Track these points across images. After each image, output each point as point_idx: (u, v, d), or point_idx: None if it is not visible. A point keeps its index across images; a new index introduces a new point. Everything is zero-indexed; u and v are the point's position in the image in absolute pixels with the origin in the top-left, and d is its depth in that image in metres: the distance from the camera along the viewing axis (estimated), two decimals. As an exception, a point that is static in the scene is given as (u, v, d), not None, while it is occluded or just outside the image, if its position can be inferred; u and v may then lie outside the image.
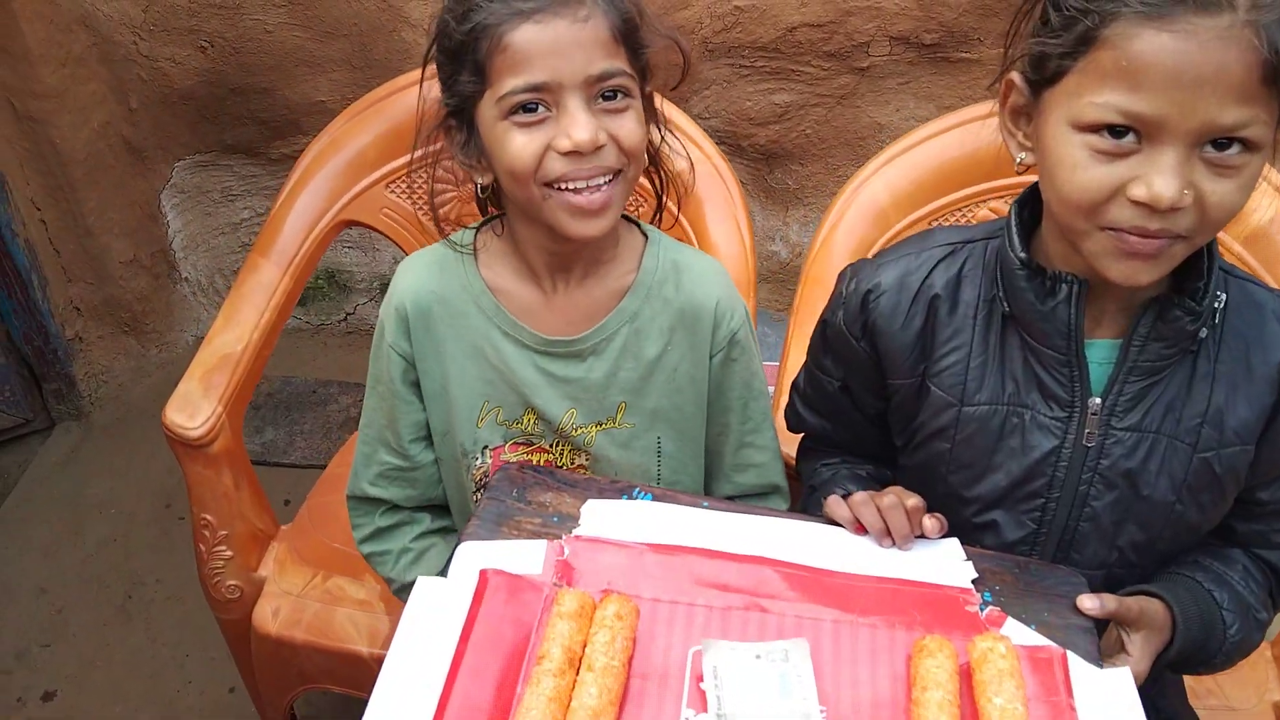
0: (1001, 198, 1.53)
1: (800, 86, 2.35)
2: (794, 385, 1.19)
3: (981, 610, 0.88)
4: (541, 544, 0.90)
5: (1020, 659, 0.81)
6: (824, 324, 1.09)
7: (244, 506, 1.43)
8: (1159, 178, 0.79)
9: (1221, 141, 0.79)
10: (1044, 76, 0.86)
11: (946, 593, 0.89)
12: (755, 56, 2.30)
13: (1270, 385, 0.94)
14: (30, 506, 2.33)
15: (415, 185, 1.65)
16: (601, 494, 0.97)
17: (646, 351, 1.13)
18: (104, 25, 2.21)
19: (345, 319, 2.78)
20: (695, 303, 1.13)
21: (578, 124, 0.97)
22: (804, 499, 1.10)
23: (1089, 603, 0.90)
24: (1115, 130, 0.80)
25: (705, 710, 0.77)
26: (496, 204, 1.15)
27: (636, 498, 0.97)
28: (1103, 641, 0.92)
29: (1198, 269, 0.90)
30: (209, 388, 1.39)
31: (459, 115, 1.05)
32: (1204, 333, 0.93)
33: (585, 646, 0.79)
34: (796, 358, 1.29)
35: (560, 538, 0.91)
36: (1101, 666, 0.84)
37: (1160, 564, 1.03)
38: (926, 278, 1.00)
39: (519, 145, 0.98)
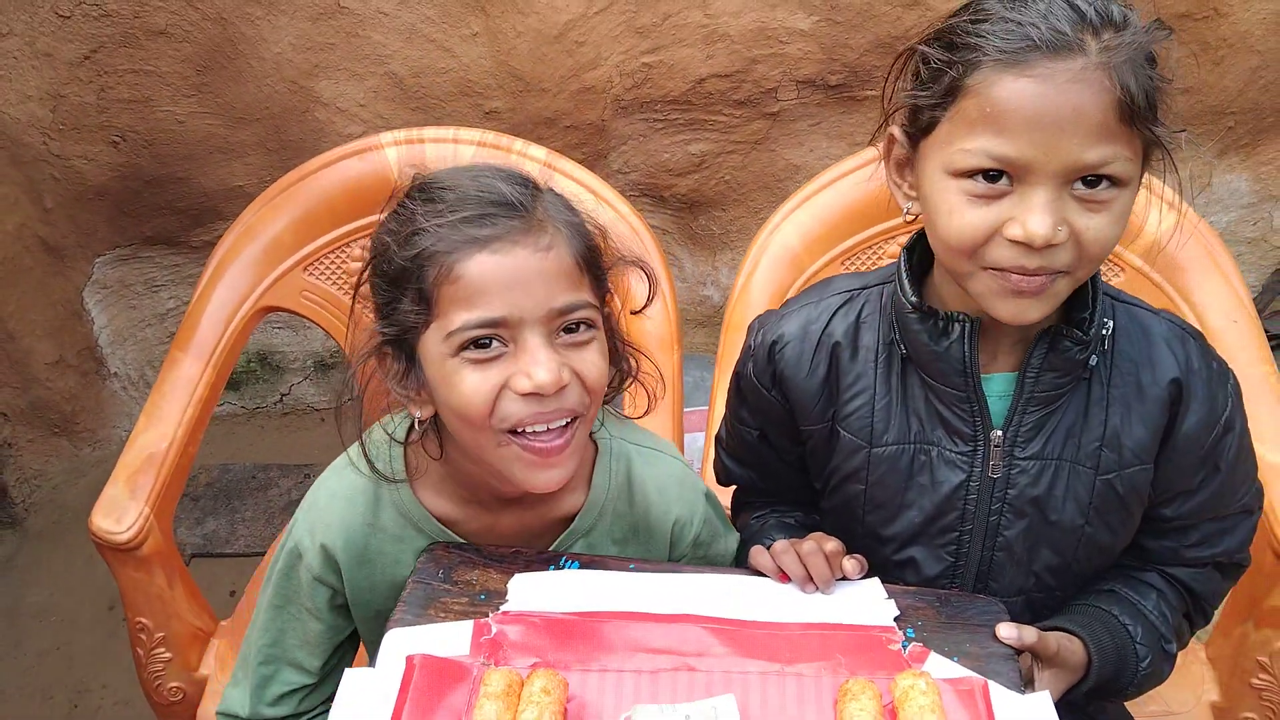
0: (909, 233, 1.57)
1: (715, 135, 2.40)
2: (717, 438, 1.20)
3: (904, 647, 0.89)
4: (468, 624, 0.90)
5: (942, 693, 0.82)
6: (737, 376, 1.11)
7: (179, 606, 1.41)
8: (1032, 217, 0.82)
9: (1090, 179, 0.82)
10: (919, 128, 0.89)
11: (870, 633, 0.91)
12: (668, 109, 2.35)
13: (1161, 405, 0.96)
14: (-34, 621, 2.27)
15: (335, 267, 1.66)
16: (529, 566, 0.97)
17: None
18: (11, 128, 2.20)
19: (280, 400, 2.76)
20: (650, 521, 1.06)
21: (539, 363, 0.87)
22: (736, 553, 1.11)
23: (1006, 631, 0.92)
24: (988, 174, 0.84)
25: (638, 777, 0.78)
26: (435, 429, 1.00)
27: (565, 567, 0.98)
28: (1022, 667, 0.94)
29: (1084, 300, 0.93)
30: (135, 489, 1.37)
31: (397, 344, 0.93)
32: (1094, 360, 0.95)
33: (514, 726, 0.79)
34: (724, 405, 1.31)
35: (487, 615, 0.92)
36: (1023, 692, 0.86)
37: (1078, 586, 1.05)
38: (827, 326, 1.03)
39: (472, 385, 0.88)
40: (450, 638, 0.89)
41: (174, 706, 1.43)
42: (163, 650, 1.40)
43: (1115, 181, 0.83)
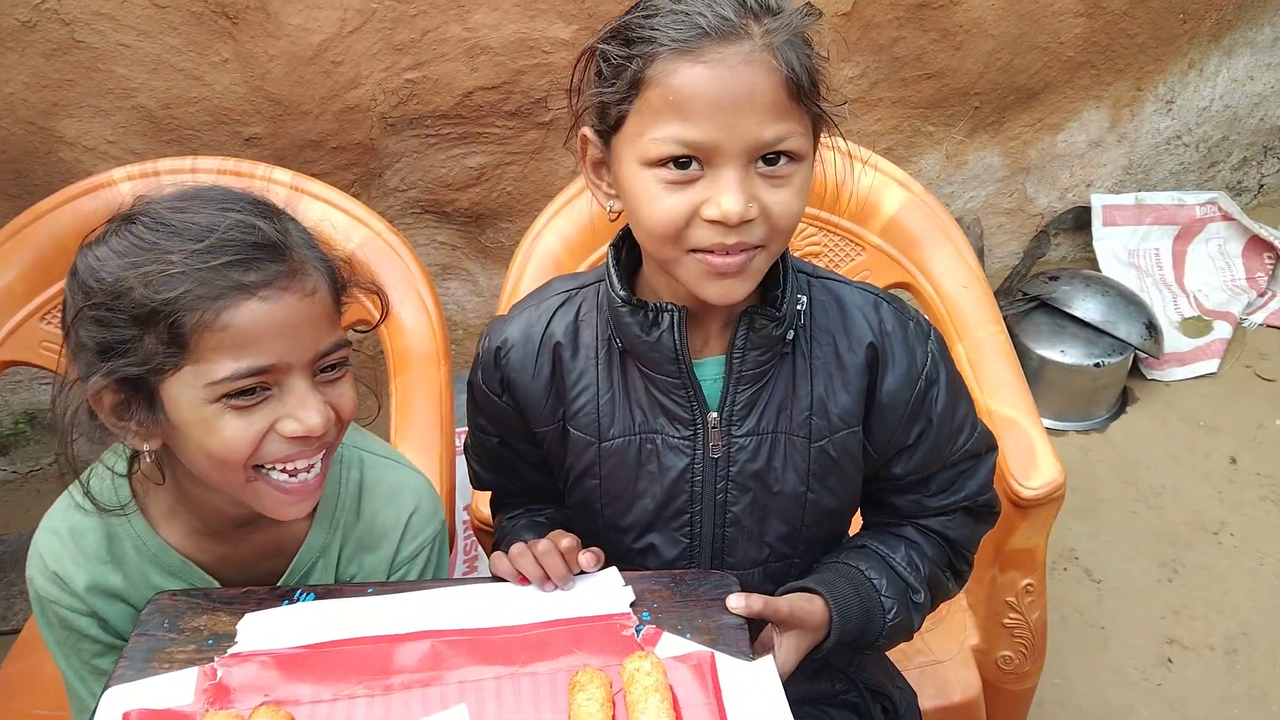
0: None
1: (491, 147, 2.40)
2: (465, 446, 1.21)
3: (638, 632, 0.92)
4: (193, 671, 0.87)
5: (672, 670, 0.85)
6: (470, 385, 1.12)
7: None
8: (724, 196, 0.86)
9: (770, 156, 0.88)
10: (609, 125, 0.92)
11: (607, 622, 0.93)
12: (439, 124, 2.33)
13: (860, 370, 1.02)
14: None
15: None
16: (261, 604, 0.95)
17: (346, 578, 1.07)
18: None
19: (56, 460, 2.58)
20: (376, 527, 1.07)
21: (308, 408, 0.88)
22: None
23: (735, 601, 0.95)
24: (679, 162, 0.87)
25: (368, 801, 0.77)
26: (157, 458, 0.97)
27: (299, 600, 0.95)
28: (762, 636, 0.97)
29: (776, 279, 0.98)
30: None
31: (129, 383, 0.88)
32: (791, 335, 1.00)
33: (235, 766, 0.77)
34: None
35: (213, 660, 0.88)
36: (751, 659, 0.89)
37: (812, 552, 1.10)
38: (547, 327, 1.05)
39: (234, 431, 0.87)
40: (173, 689, 0.86)
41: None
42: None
43: (792, 157, 0.89)
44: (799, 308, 1.00)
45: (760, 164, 0.88)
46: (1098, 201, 2.96)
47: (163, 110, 2.12)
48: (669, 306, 0.97)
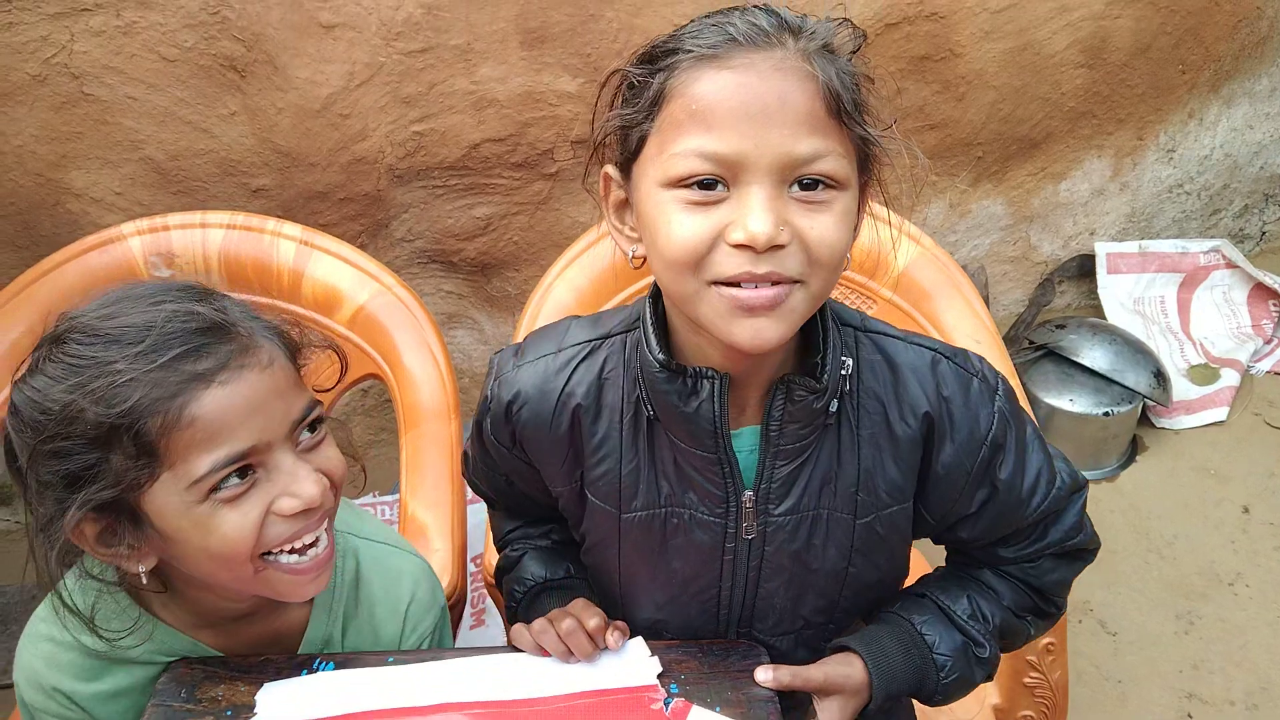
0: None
1: (497, 198, 2.41)
2: (464, 455, 1.15)
3: (666, 705, 0.89)
4: (209, 744, 0.85)
5: (700, 747, 0.82)
6: (477, 426, 1.05)
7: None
8: (751, 216, 0.76)
9: (807, 181, 0.77)
10: (629, 152, 0.83)
11: (634, 694, 0.90)
12: (446, 175, 2.34)
13: (914, 445, 0.92)
14: None
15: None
16: (279, 674, 0.92)
17: None
18: None
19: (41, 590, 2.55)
20: (375, 621, 1.04)
21: (300, 479, 0.86)
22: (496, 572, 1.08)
23: (762, 675, 0.92)
24: (703, 182, 0.78)
25: None
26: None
27: (318, 669, 0.93)
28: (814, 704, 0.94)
29: (816, 341, 0.88)
30: None
31: (109, 509, 0.84)
32: (834, 405, 0.90)
33: None
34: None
35: (230, 733, 0.86)
36: (782, 731, 0.87)
37: (848, 619, 1.03)
38: (566, 385, 0.95)
39: (233, 525, 0.84)
40: (189, 762, 0.83)
41: None
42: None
43: (831, 183, 0.78)
44: (844, 372, 0.89)
45: (795, 188, 0.77)
46: (1101, 249, 2.96)
47: (170, 162, 2.13)
48: (710, 373, 0.86)
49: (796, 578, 0.97)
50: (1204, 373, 2.82)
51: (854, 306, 1.63)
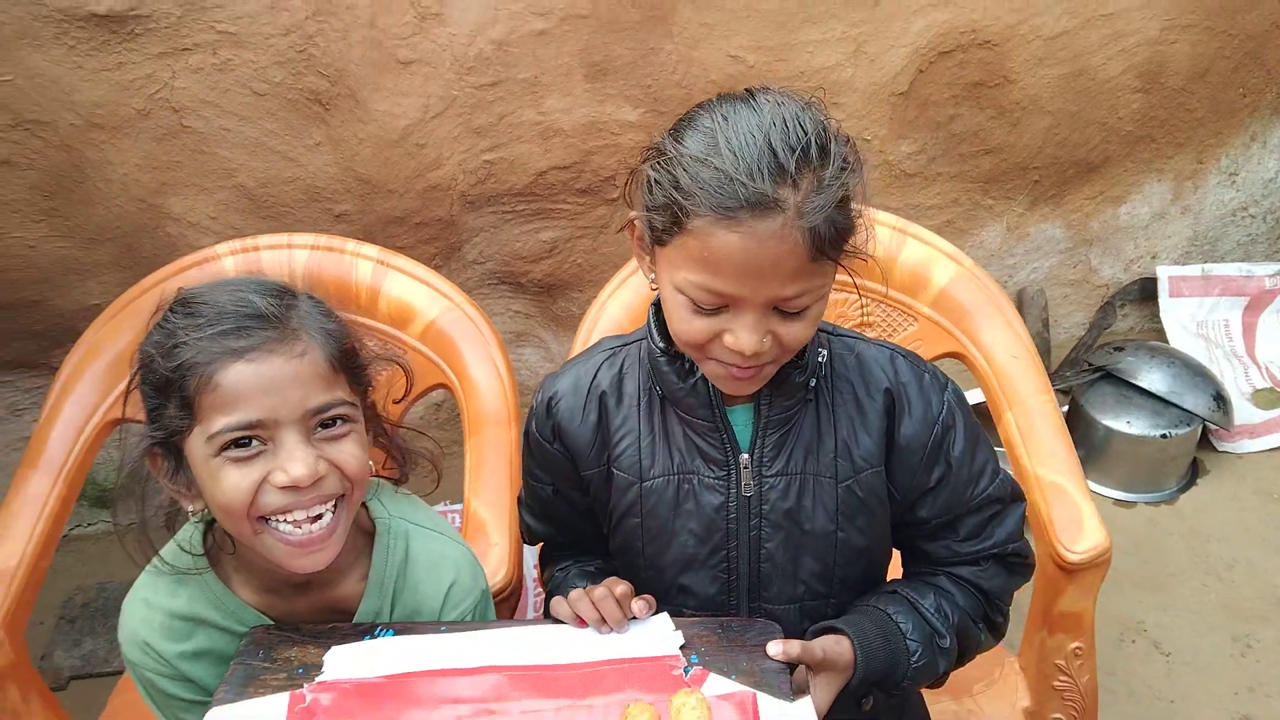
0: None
1: (562, 223, 2.53)
2: (519, 499, 1.30)
3: (686, 672, 0.98)
4: (284, 696, 0.96)
5: (716, 707, 0.91)
6: (526, 435, 1.22)
7: (33, 722, 1.41)
8: (743, 334, 0.96)
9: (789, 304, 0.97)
10: (655, 237, 1.00)
11: (658, 663, 0.99)
12: (514, 201, 2.47)
13: (879, 415, 1.11)
14: None
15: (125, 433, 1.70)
16: (345, 639, 1.04)
17: None
18: None
19: (156, 514, 2.74)
20: (419, 597, 1.14)
21: (295, 459, 0.96)
22: (544, 606, 1.19)
23: (774, 648, 1.02)
24: (707, 303, 0.97)
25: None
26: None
27: (379, 636, 1.04)
28: (795, 676, 1.03)
29: None
30: (-17, 608, 1.38)
31: (165, 445, 1.01)
32: (813, 383, 1.10)
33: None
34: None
35: (303, 687, 0.97)
36: (791, 700, 0.95)
37: (847, 592, 1.16)
38: (594, 379, 1.16)
39: (232, 482, 0.96)
40: (267, 712, 0.94)
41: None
42: (16, 770, 1.40)
43: (803, 301, 0.97)
44: (820, 359, 1.09)
45: (777, 309, 0.97)
46: (1164, 273, 2.97)
47: (260, 189, 2.30)
48: None
49: (792, 538, 1.12)
50: (1268, 397, 2.80)
51: (895, 324, 1.71)
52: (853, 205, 0.96)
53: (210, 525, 1.10)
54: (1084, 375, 2.72)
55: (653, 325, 1.10)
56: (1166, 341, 2.90)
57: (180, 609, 1.09)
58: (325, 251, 1.69)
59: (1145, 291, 3.02)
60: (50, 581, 1.56)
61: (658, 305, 1.11)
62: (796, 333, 0.99)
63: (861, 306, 1.69)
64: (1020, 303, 2.91)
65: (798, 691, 0.99)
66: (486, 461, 1.57)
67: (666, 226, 0.96)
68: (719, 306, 0.97)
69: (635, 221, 1.03)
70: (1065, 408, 2.73)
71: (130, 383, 1.04)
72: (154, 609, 1.09)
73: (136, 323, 1.68)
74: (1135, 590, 2.36)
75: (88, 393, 1.64)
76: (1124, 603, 2.33)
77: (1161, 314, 2.95)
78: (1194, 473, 2.65)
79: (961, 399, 1.15)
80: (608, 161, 2.42)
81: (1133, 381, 2.61)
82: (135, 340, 1.66)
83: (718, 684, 0.96)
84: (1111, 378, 2.67)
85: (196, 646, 1.09)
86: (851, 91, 2.48)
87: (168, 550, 1.10)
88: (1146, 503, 2.59)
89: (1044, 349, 2.87)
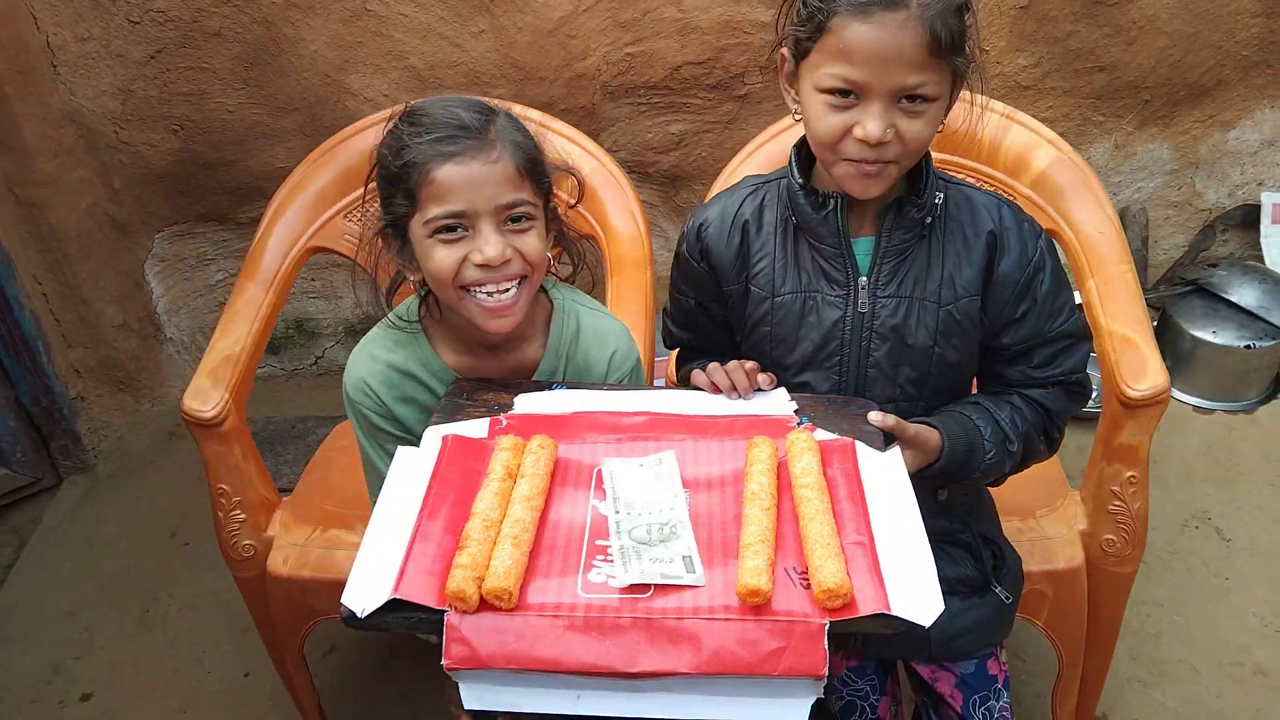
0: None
1: (691, 116, 2.75)
2: (664, 310, 1.55)
3: (799, 426, 1.23)
4: (485, 420, 1.24)
5: (819, 447, 1.15)
6: (676, 256, 1.46)
7: (251, 476, 1.74)
8: (870, 123, 1.15)
9: (911, 96, 1.15)
10: (799, 54, 1.22)
11: (775, 418, 1.24)
12: (650, 94, 2.70)
13: (982, 250, 1.29)
14: (49, 549, 2.61)
15: (367, 214, 2.00)
16: (529, 390, 1.32)
17: None
18: (89, 119, 2.56)
19: (315, 362, 3.10)
20: (589, 359, 1.39)
21: (489, 244, 1.19)
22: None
23: (874, 415, 1.24)
24: (841, 92, 1.16)
25: (605, 498, 1.11)
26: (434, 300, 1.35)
27: (555, 389, 1.32)
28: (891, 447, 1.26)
29: (920, 179, 1.27)
30: (216, 380, 1.71)
31: (394, 227, 1.26)
32: (929, 220, 1.28)
33: (519, 466, 1.13)
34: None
35: (499, 415, 1.26)
36: (883, 450, 1.19)
37: (936, 398, 1.37)
38: (739, 209, 1.37)
39: (441, 257, 1.21)
40: (473, 429, 1.23)
41: (246, 562, 1.76)
42: (239, 513, 1.73)
43: (927, 98, 1.15)
44: (936, 201, 1.28)
45: (903, 101, 1.15)
46: (1268, 199, 3.04)
47: (428, 70, 2.58)
48: (835, 194, 1.28)
49: (896, 349, 1.31)
50: (1360, 322, 2.88)
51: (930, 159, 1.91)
52: (966, 18, 1.15)
53: (423, 299, 1.38)
54: (1176, 288, 2.84)
55: (794, 163, 1.29)
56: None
57: (396, 362, 1.37)
58: (497, 112, 1.95)
59: (1247, 217, 3.10)
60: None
61: (798, 146, 1.32)
62: (916, 130, 1.16)
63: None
64: (1122, 220, 3.03)
65: (889, 445, 1.22)
66: (625, 297, 1.83)
67: (810, 34, 1.15)
68: (850, 96, 1.14)
69: (784, 51, 1.25)
70: (1155, 322, 2.86)
71: (370, 175, 1.31)
72: (376, 360, 1.38)
73: (335, 166, 1.99)
74: (1204, 485, 2.52)
75: (294, 220, 1.95)
76: (1192, 495, 2.50)
77: (1262, 239, 3.04)
78: (1276, 388, 2.77)
79: (1052, 247, 1.32)
80: (738, 59, 2.63)
81: (1224, 295, 2.73)
82: (335, 179, 2.00)
83: (823, 435, 1.20)
84: (1203, 292, 2.79)
85: (404, 394, 1.38)
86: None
87: (394, 313, 1.39)
88: (1225, 411, 2.73)
89: (1141, 266, 3.00)
